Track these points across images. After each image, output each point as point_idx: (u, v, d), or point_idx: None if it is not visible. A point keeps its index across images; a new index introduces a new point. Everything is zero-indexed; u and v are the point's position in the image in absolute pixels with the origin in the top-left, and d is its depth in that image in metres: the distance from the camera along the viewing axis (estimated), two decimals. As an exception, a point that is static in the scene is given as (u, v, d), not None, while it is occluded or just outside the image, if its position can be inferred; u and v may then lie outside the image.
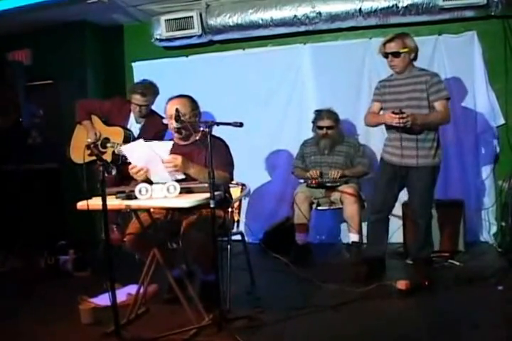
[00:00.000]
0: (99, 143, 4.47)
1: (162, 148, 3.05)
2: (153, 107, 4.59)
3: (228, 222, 3.55)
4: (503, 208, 4.59)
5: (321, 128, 4.74)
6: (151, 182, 2.98)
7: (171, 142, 3.10)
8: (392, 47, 3.69)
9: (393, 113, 3.55)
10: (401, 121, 3.53)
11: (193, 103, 3.47)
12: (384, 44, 3.75)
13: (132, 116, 4.57)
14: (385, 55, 3.75)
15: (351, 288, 3.47)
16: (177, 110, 3.19)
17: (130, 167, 3.12)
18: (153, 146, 3.06)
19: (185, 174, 3.12)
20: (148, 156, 3.03)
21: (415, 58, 3.76)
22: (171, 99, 3.48)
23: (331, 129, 4.72)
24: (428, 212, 3.85)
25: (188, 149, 3.37)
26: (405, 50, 3.66)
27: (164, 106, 3.49)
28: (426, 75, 3.71)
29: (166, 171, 3.06)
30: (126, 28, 5.97)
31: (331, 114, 4.75)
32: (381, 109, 3.90)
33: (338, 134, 4.79)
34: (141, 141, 3.15)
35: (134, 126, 4.57)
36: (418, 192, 3.73)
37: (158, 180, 3.07)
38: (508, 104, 4.83)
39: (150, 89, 4.48)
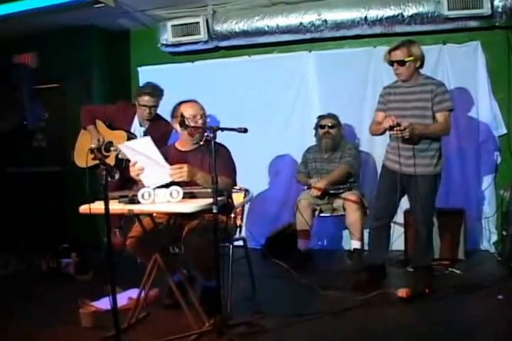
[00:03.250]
0: (102, 147, 4.49)
1: (144, 145, 3.04)
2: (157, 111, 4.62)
3: (230, 227, 3.56)
4: (503, 217, 4.58)
5: (322, 127, 4.79)
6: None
7: (148, 138, 3.08)
8: (397, 55, 3.65)
9: (390, 126, 3.57)
10: (398, 133, 3.55)
11: (203, 108, 3.51)
12: (389, 52, 3.71)
13: (136, 119, 4.59)
14: (391, 63, 3.73)
15: (352, 295, 3.48)
16: (182, 115, 3.22)
17: (130, 164, 3.13)
18: (135, 145, 3.08)
19: (189, 181, 3.13)
20: (143, 156, 3.04)
21: (421, 66, 3.73)
22: (183, 102, 3.50)
23: (332, 128, 4.75)
24: (429, 219, 3.83)
25: (191, 155, 3.39)
26: (411, 58, 3.62)
27: (175, 109, 3.49)
28: (432, 84, 3.67)
29: (162, 174, 3.06)
30: (133, 32, 6.01)
31: (333, 116, 4.83)
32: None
33: (339, 136, 4.83)
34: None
35: (138, 129, 4.60)
36: (419, 200, 3.72)
37: (151, 183, 3.08)
38: (510, 113, 4.86)
39: (157, 91, 4.51)
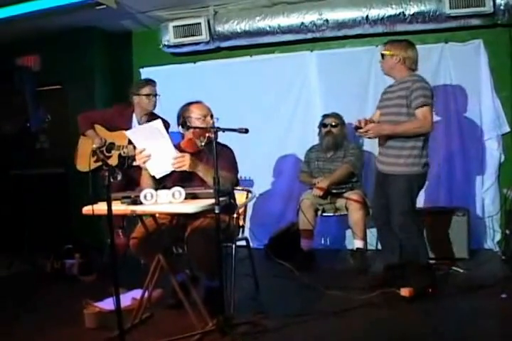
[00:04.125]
0: (104, 148, 4.51)
1: (154, 127, 3.01)
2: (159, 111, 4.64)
3: (233, 227, 3.56)
4: (507, 216, 4.59)
5: (325, 125, 4.79)
6: (156, 188, 2.99)
7: (159, 120, 3.05)
8: (382, 49, 3.82)
9: (355, 128, 3.72)
10: (363, 134, 3.69)
11: (210, 108, 3.52)
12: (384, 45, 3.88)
13: (135, 119, 4.61)
14: None
15: (355, 295, 3.47)
16: (183, 117, 3.24)
17: (136, 151, 3.11)
18: (144, 129, 3.07)
19: (190, 177, 3.13)
20: (151, 144, 3.03)
21: (410, 65, 3.71)
22: (192, 102, 3.50)
23: (334, 127, 4.76)
24: (404, 222, 3.63)
25: (195, 157, 3.38)
26: (386, 52, 3.73)
27: (182, 110, 3.48)
28: (409, 81, 3.65)
29: (169, 162, 3.04)
30: (135, 34, 6.03)
31: (337, 115, 4.84)
32: None
33: (342, 135, 4.83)
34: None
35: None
36: (392, 200, 3.67)
37: (156, 171, 3.09)
38: (513, 112, 4.84)
39: (153, 81, 4.60)
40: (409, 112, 3.62)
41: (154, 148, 3.03)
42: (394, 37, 4.83)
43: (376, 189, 3.91)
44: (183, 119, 3.29)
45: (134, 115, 4.60)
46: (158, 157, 3.05)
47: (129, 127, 4.53)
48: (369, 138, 3.80)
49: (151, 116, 4.58)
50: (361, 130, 3.64)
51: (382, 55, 3.78)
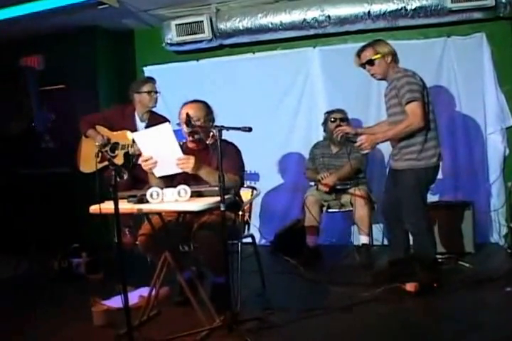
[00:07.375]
0: (108, 148, 4.52)
1: (161, 132, 3.00)
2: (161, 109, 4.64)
3: (239, 224, 3.58)
4: (512, 209, 4.59)
5: (334, 120, 4.75)
6: (162, 187, 3.00)
7: (167, 124, 3.06)
8: (365, 56, 3.69)
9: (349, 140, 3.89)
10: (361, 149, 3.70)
11: (207, 108, 3.50)
12: (358, 55, 3.76)
13: (136, 116, 4.62)
14: (363, 66, 3.75)
15: (361, 291, 3.48)
16: (187, 115, 3.24)
17: (141, 158, 3.11)
18: (153, 132, 3.07)
19: (196, 176, 3.15)
20: (157, 147, 3.03)
21: (395, 61, 3.69)
22: (185, 103, 3.50)
23: (343, 122, 4.73)
24: (413, 217, 3.63)
25: (199, 153, 3.39)
26: (377, 56, 3.63)
27: (178, 111, 3.49)
28: (395, 79, 3.60)
29: (174, 164, 3.04)
30: (137, 32, 6.04)
31: (342, 110, 4.82)
32: None
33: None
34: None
35: (139, 125, 4.63)
36: (401, 195, 3.66)
37: (160, 172, 3.11)
38: (517, 105, 4.83)
39: (153, 79, 4.60)
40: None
41: (160, 151, 3.04)
42: (396, 32, 4.88)
43: (386, 184, 3.92)
44: (187, 118, 3.28)
45: (135, 113, 4.62)
46: (163, 159, 3.06)
47: (132, 126, 4.55)
48: (366, 151, 3.76)
49: (153, 114, 4.60)
50: (356, 145, 3.65)
51: (371, 62, 3.66)
